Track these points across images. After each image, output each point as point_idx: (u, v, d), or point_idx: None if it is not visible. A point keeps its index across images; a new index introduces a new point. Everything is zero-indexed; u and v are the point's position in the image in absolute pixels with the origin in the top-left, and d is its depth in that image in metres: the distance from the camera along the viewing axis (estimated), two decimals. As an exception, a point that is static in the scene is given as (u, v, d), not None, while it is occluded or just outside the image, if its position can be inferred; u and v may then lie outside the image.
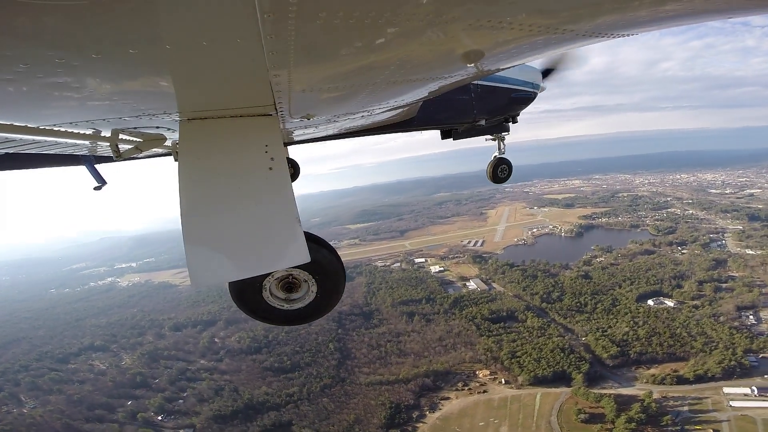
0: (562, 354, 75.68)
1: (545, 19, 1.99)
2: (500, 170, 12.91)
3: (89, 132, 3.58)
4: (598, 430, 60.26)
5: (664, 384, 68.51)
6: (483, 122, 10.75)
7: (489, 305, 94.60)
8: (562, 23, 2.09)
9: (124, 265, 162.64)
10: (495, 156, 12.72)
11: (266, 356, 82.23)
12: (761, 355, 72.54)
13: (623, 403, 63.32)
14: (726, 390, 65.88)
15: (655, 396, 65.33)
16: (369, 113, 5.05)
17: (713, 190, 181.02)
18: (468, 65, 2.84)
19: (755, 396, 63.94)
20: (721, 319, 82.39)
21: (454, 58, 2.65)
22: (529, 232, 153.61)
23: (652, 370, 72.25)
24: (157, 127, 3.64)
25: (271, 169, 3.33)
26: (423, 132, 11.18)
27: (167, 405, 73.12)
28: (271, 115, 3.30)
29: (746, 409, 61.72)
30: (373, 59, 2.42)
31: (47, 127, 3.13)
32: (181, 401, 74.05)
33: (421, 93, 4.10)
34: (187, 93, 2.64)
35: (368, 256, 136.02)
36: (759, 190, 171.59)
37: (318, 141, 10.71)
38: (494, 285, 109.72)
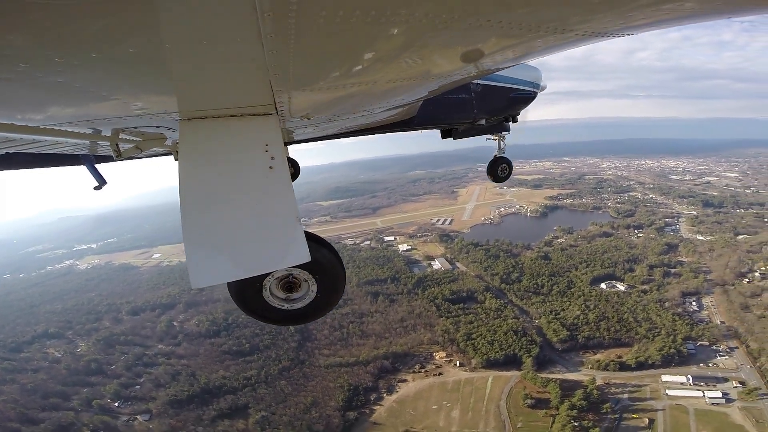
0: (514, 337, 77.33)
1: (545, 18, 1.99)
2: (500, 169, 12.73)
3: (89, 132, 3.53)
4: (542, 416, 60.87)
5: (607, 370, 70.24)
6: (483, 121, 10.57)
7: (450, 285, 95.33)
8: (562, 23, 2.07)
9: (84, 247, 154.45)
10: (495, 155, 12.53)
11: (225, 339, 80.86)
12: (699, 343, 75.10)
13: (568, 389, 64.86)
14: (664, 378, 68.03)
15: (599, 382, 66.75)
16: (369, 112, 4.99)
17: (674, 177, 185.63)
18: (468, 65, 2.82)
19: (690, 385, 66.33)
20: (667, 305, 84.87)
21: (454, 58, 2.62)
22: (497, 212, 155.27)
23: (599, 356, 74.06)
24: (157, 127, 3.56)
25: (271, 168, 3.24)
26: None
27: (123, 391, 71.59)
28: (271, 114, 3.23)
29: (680, 398, 63.81)
30: (374, 59, 2.39)
31: (47, 127, 3.09)
32: (137, 387, 72.51)
33: (421, 92, 4.02)
34: (187, 92, 2.61)
35: (338, 234, 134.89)
36: (716, 178, 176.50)
37: (318, 140, 10.53)
38: (458, 264, 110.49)
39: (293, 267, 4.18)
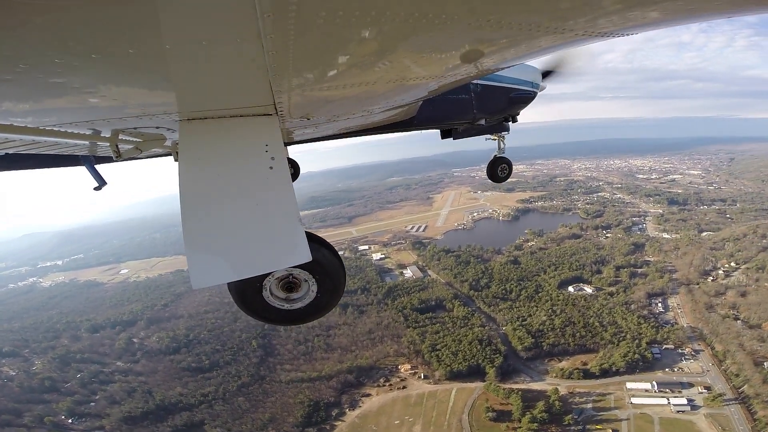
0: (479, 346, 75.00)
1: (544, 19, 1.95)
2: (500, 169, 12.36)
3: (89, 132, 3.46)
4: (504, 430, 56.84)
5: (572, 378, 66.38)
6: (483, 121, 10.22)
7: (420, 294, 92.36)
8: (562, 23, 2.04)
9: (48, 264, 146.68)
10: (495, 155, 12.19)
11: (184, 356, 77.63)
12: (664, 347, 72.06)
13: (531, 400, 61.89)
14: (629, 385, 64.91)
15: (563, 392, 63.33)
16: (369, 113, 4.89)
17: (640, 175, 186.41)
18: (468, 65, 2.75)
19: (655, 392, 63.37)
20: (632, 307, 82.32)
21: (454, 58, 2.55)
22: (470, 217, 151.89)
23: (564, 363, 70.87)
24: (157, 127, 3.52)
25: (271, 168, 3.17)
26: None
27: (77, 408, 68.64)
28: (271, 114, 3.18)
29: (645, 406, 60.77)
30: (373, 59, 2.34)
31: (47, 127, 3.04)
32: (92, 404, 69.54)
33: (420, 92, 3.96)
34: (187, 93, 2.56)
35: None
36: (680, 176, 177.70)
37: (318, 140, 10.07)
38: (429, 272, 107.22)
39: (293, 267, 4.07)
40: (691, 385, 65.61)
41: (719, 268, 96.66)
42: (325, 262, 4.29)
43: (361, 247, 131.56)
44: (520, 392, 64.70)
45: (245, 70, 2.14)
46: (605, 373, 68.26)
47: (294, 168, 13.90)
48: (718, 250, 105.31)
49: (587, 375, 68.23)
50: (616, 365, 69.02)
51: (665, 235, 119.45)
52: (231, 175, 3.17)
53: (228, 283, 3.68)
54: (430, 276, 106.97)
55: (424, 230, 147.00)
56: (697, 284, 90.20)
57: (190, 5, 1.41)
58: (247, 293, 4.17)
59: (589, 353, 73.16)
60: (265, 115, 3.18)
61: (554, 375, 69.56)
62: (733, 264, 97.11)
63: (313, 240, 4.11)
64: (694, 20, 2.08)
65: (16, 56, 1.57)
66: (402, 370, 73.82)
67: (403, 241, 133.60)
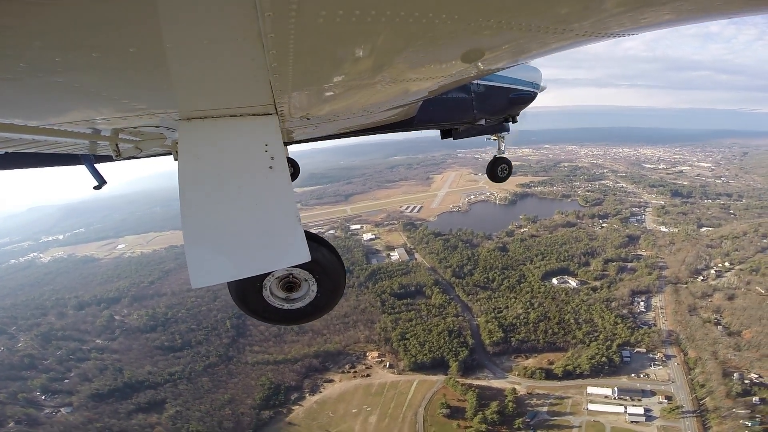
0: (447, 338, 72.46)
1: (545, 19, 1.92)
2: (500, 169, 12.09)
3: (89, 131, 3.47)
4: (455, 428, 54.30)
5: (533, 378, 62.63)
6: (483, 121, 10.11)
7: (401, 279, 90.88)
8: (562, 23, 2.01)
9: (50, 238, 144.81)
10: (495, 155, 11.87)
11: (159, 335, 78.08)
12: (636, 350, 67.78)
13: (488, 398, 59.79)
14: (590, 390, 61.12)
15: (522, 392, 60.43)
16: (369, 112, 4.86)
17: (648, 165, 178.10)
18: (468, 65, 2.74)
19: (614, 399, 59.75)
20: (613, 305, 77.93)
21: (455, 58, 2.55)
22: (466, 199, 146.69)
23: (530, 361, 67.34)
24: (157, 127, 3.50)
25: (271, 168, 3.14)
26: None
27: (51, 385, 69.34)
28: (271, 114, 3.14)
29: (601, 414, 57.46)
30: (374, 59, 2.31)
31: (47, 126, 3.00)
32: (66, 381, 70.36)
33: (421, 92, 3.93)
34: (187, 92, 2.54)
35: (305, 222, 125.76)
36: (689, 168, 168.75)
37: (318, 140, 10.06)
38: (416, 255, 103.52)
39: (293, 267, 4.05)
40: (653, 393, 62.26)
41: (712, 268, 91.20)
42: (325, 262, 4.20)
43: (353, 227, 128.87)
44: (478, 389, 62.44)
45: (245, 69, 2.11)
46: (568, 375, 65.12)
47: (294, 168, 13.63)
48: (714, 247, 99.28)
49: (549, 376, 64.81)
50: (581, 367, 65.20)
51: (663, 228, 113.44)
52: (231, 175, 3.11)
53: (228, 283, 3.63)
54: (416, 259, 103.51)
55: (418, 211, 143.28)
56: (686, 284, 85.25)
57: (190, 5, 1.38)
58: (248, 293, 4.09)
59: (558, 352, 69.99)
60: (265, 114, 3.12)
61: (517, 373, 66.56)
62: (727, 264, 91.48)
63: (313, 239, 4.01)
64: (695, 20, 2.03)
65: (16, 55, 1.54)
66: (369, 357, 72.84)
67: (395, 222, 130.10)
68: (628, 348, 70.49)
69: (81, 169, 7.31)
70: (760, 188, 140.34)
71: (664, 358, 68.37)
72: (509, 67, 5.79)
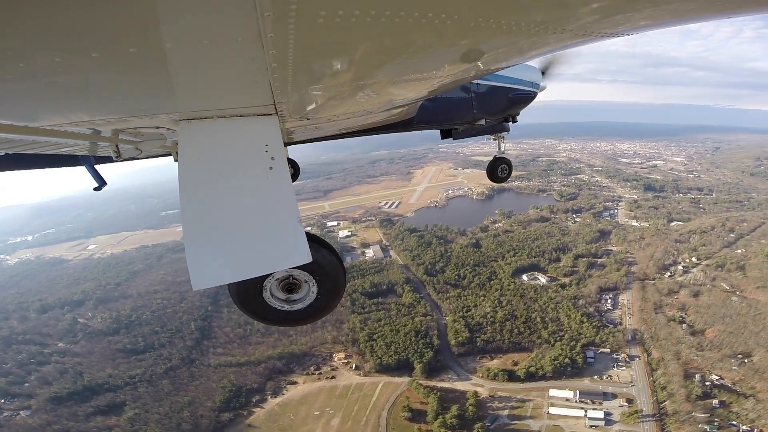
0: (414, 338, 71.95)
1: (544, 19, 1.91)
2: (500, 170, 12.00)
3: (89, 132, 3.44)
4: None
5: (496, 380, 60.88)
6: (483, 121, 9.96)
7: (374, 277, 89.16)
8: (562, 23, 1.99)
9: (18, 240, 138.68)
10: (495, 155, 11.85)
11: (123, 337, 76.16)
12: (601, 350, 66.43)
13: (449, 401, 58.90)
14: (551, 392, 59.75)
15: (485, 395, 58.76)
16: (369, 113, 4.75)
17: (623, 159, 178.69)
18: (468, 65, 2.73)
19: (575, 401, 58.76)
20: (580, 302, 76.97)
21: (454, 58, 2.54)
22: (444, 194, 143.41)
23: (495, 361, 65.27)
24: (157, 127, 3.49)
25: (271, 168, 3.10)
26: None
27: (11, 388, 67.36)
28: (271, 115, 3.10)
29: (560, 417, 55.94)
30: (374, 59, 2.32)
31: (47, 127, 2.98)
32: (27, 384, 68.44)
33: (421, 92, 3.87)
34: (187, 93, 2.50)
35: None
36: (662, 162, 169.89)
37: (318, 140, 9.82)
38: (391, 252, 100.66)
39: (294, 268, 4.03)
40: (614, 396, 61.35)
41: (679, 263, 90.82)
42: (325, 263, 4.17)
43: (330, 223, 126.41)
44: (441, 392, 60.97)
45: (245, 70, 2.09)
46: (531, 376, 63.75)
47: (294, 168, 13.37)
48: (682, 242, 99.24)
49: (512, 377, 63.24)
50: (544, 369, 63.68)
51: (634, 223, 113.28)
52: (231, 176, 3.08)
53: (228, 284, 3.56)
54: (390, 257, 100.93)
55: (396, 206, 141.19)
56: (653, 280, 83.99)
57: (190, 5, 1.37)
58: (248, 294, 4.06)
59: (523, 352, 68.61)
60: (265, 115, 3.07)
61: (481, 375, 64.82)
62: (694, 259, 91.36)
63: (313, 241, 3.99)
64: (694, 20, 2.02)
65: (16, 56, 1.53)
66: (336, 359, 71.57)
67: (373, 218, 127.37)
68: (593, 348, 69.48)
69: (81, 170, 7.18)
70: (729, 182, 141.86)
71: (627, 359, 67.62)
72: (509, 67, 5.65)
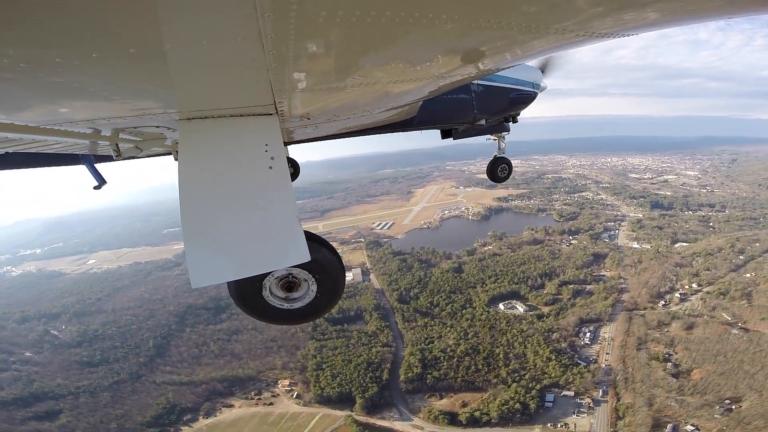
0: (364, 371, 67.46)
1: (545, 19, 1.90)
2: (500, 170, 11.80)
3: (90, 131, 3.46)
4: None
5: (437, 423, 52.92)
6: (483, 122, 9.87)
7: (345, 302, 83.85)
8: (563, 24, 1.99)
9: (27, 252, 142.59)
10: (495, 155, 11.75)
11: (83, 350, 76.87)
12: (563, 393, 56.45)
13: None
14: None
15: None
16: (369, 113, 4.74)
17: (633, 175, 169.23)
18: (468, 65, 2.72)
19: None
20: (554, 336, 67.58)
21: (455, 58, 2.53)
22: (439, 215, 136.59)
23: (444, 401, 57.50)
24: (157, 127, 3.49)
25: (271, 168, 3.09)
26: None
27: None
28: (271, 114, 3.11)
29: None
30: (374, 59, 2.33)
31: (48, 127, 2.98)
32: None
33: (421, 92, 3.87)
34: (187, 92, 2.53)
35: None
36: (674, 177, 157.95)
37: (318, 140, 9.68)
38: (371, 276, 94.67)
39: (293, 267, 4.02)
40: None
41: (677, 290, 79.83)
42: (325, 262, 4.16)
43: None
44: (375, 431, 52.96)
45: (245, 70, 2.09)
46: (474, 422, 56.29)
47: (294, 168, 13.33)
48: (684, 266, 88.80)
49: (454, 421, 54.80)
50: (490, 414, 54.82)
51: (634, 245, 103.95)
52: (231, 175, 3.06)
53: (228, 283, 3.64)
54: (369, 281, 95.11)
55: (389, 228, 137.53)
56: (644, 310, 73.16)
57: (190, 5, 1.36)
58: (247, 293, 4.04)
59: (476, 392, 60.20)
60: (265, 114, 3.06)
61: (423, 416, 56.87)
62: (694, 285, 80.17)
63: (313, 240, 4.01)
64: (694, 21, 2.00)
65: (16, 56, 1.52)
66: (280, 385, 69.48)
67: (362, 240, 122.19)
68: (556, 390, 59.62)
69: (81, 170, 7.16)
70: (744, 197, 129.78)
71: (592, 405, 57.61)
72: (509, 67, 5.83)
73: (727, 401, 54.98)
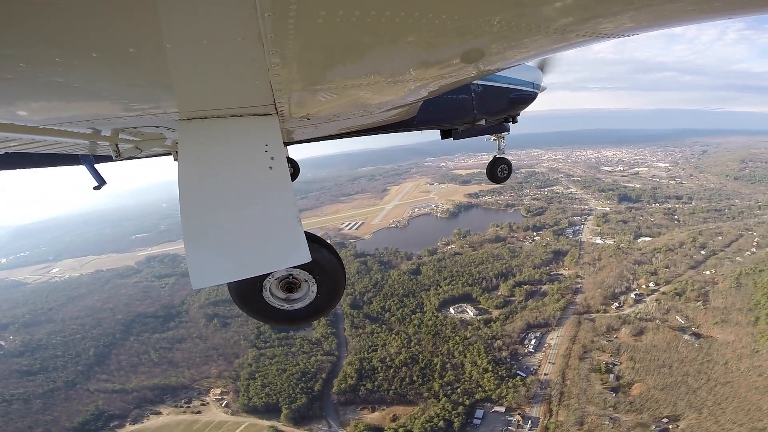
0: (297, 380, 63.31)
1: (546, 19, 1.86)
2: (500, 170, 11.43)
3: (89, 131, 3.41)
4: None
5: None
6: (483, 122, 9.59)
7: None
8: (563, 24, 1.95)
9: None
10: (495, 155, 11.41)
11: (24, 359, 74.19)
12: (495, 408, 50.83)
13: None
14: None
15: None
16: (369, 113, 4.68)
17: (605, 168, 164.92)
18: (468, 65, 2.65)
19: None
20: (497, 344, 60.90)
21: (455, 58, 2.47)
22: (409, 213, 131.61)
23: (376, 414, 52.49)
24: (157, 127, 3.43)
25: (271, 168, 3.00)
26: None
27: None
28: (271, 114, 3.04)
29: None
30: (374, 59, 2.27)
31: (47, 127, 2.93)
32: None
33: (421, 93, 3.79)
34: (187, 93, 2.47)
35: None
36: (645, 168, 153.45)
37: (318, 140, 9.35)
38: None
39: (293, 267, 3.93)
40: None
41: (633, 290, 73.95)
42: (325, 263, 4.03)
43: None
44: None
45: (245, 70, 2.04)
46: None
47: (294, 168, 12.72)
48: (643, 263, 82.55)
49: None
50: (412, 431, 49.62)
51: (598, 240, 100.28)
52: (231, 175, 2.98)
53: (228, 284, 3.57)
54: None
55: (357, 228, 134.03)
56: (595, 313, 67.76)
57: (190, 5, 1.33)
58: (247, 293, 3.92)
59: (408, 405, 55.20)
60: (265, 114, 2.97)
61: (350, 429, 51.99)
62: (651, 285, 74.58)
63: (313, 240, 3.91)
64: (694, 21, 1.96)
65: (16, 56, 1.48)
66: (211, 394, 66.99)
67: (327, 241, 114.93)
68: (486, 405, 54.50)
69: (80, 170, 6.85)
70: (711, 188, 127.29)
71: (521, 422, 51.98)
72: (509, 68, 5.51)
73: (665, 420, 50.91)
